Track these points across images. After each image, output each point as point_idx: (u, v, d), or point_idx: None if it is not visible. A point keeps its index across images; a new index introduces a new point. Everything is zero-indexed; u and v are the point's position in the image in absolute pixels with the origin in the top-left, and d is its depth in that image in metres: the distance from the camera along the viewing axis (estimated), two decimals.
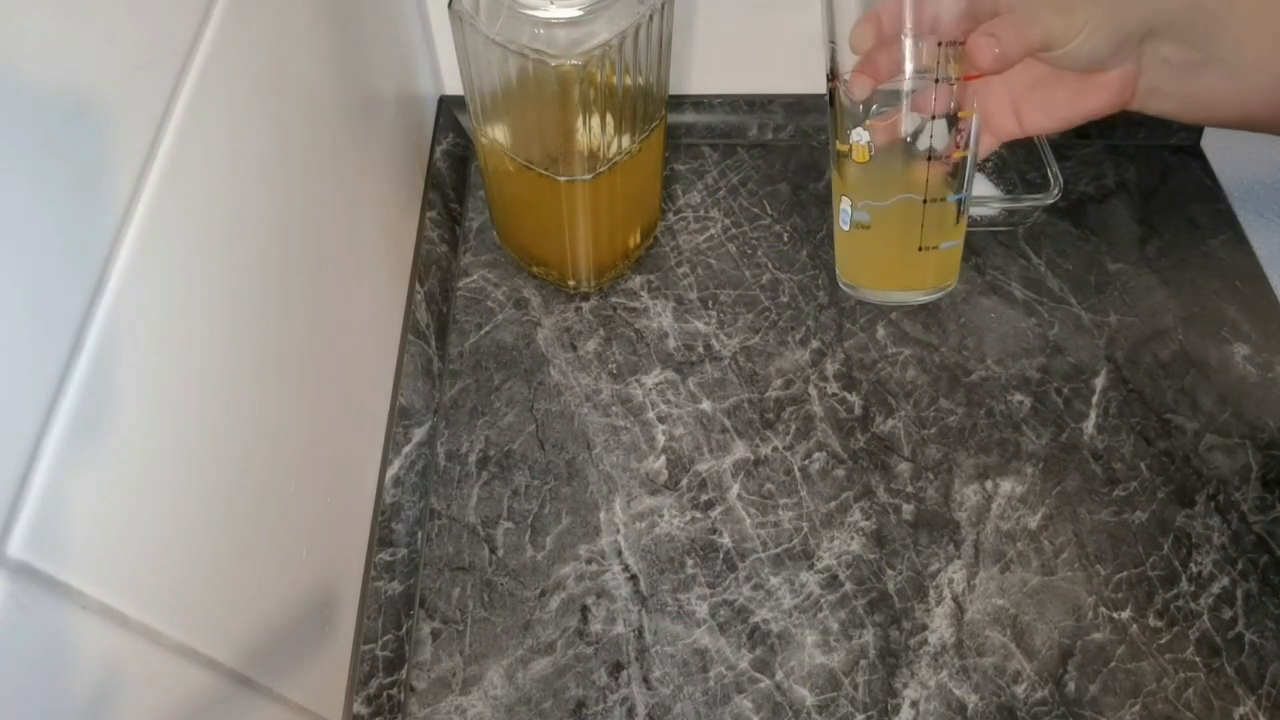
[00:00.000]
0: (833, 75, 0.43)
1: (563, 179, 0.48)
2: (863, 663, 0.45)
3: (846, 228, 0.45)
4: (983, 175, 0.62)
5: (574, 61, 0.41)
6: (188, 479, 0.28)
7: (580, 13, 0.41)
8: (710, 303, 0.57)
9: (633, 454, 0.51)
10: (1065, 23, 0.36)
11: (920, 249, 0.45)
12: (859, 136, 0.41)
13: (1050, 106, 0.41)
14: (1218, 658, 0.45)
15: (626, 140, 0.48)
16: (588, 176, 0.48)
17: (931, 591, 0.47)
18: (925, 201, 0.43)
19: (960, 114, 0.41)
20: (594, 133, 0.46)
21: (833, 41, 0.41)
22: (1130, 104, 0.39)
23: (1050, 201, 0.57)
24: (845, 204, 0.44)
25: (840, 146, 0.43)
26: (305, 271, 0.38)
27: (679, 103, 0.63)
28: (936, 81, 0.40)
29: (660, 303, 0.57)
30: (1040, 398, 0.53)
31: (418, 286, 0.54)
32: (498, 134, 0.49)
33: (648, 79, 0.46)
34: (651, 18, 0.43)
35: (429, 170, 0.61)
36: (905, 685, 0.44)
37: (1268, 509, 0.49)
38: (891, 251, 0.47)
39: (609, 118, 0.46)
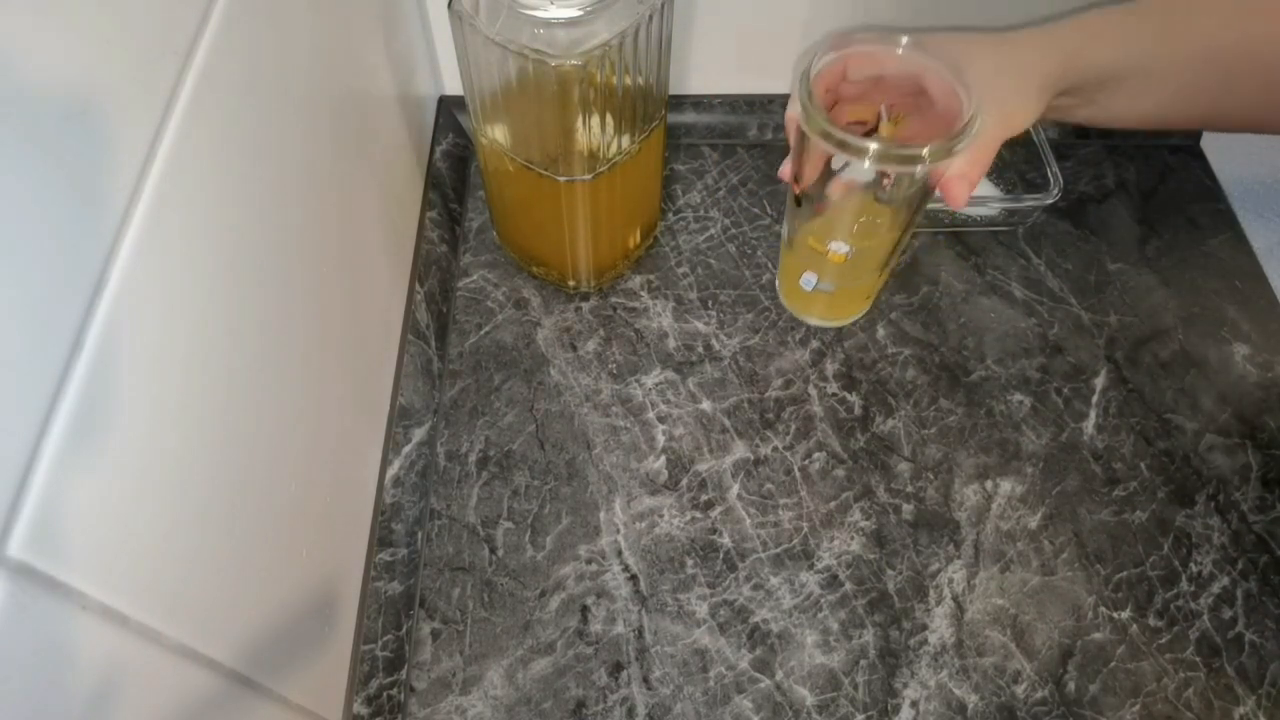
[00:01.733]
0: (797, 179, 0.46)
1: (563, 179, 0.48)
2: (863, 663, 0.45)
3: (808, 290, 0.50)
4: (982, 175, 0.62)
5: (574, 61, 0.41)
6: (188, 479, 0.28)
7: (580, 13, 0.41)
8: (710, 303, 0.57)
9: (633, 454, 0.51)
10: (1012, 129, 0.43)
11: (867, 298, 0.53)
12: (838, 248, 0.46)
13: None
14: (1218, 658, 0.45)
15: (626, 140, 0.48)
16: (588, 176, 0.48)
17: (931, 591, 0.47)
18: (881, 271, 0.49)
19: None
20: (594, 133, 0.46)
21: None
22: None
23: (1050, 201, 0.57)
24: (810, 276, 0.49)
25: (815, 245, 0.47)
26: (305, 271, 0.38)
27: (679, 103, 0.63)
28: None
29: (660, 303, 0.57)
30: (1040, 398, 0.53)
31: (418, 286, 0.54)
32: (498, 134, 0.49)
33: (647, 79, 0.46)
34: (651, 18, 0.43)
35: (429, 170, 0.61)
36: (905, 685, 0.44)
37: (1268, 509, 0.49)
38: (846, 302, 0.53)
39: (609, 118, 0.46)
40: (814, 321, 0.52)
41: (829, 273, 0.47)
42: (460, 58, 0.46)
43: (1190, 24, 0.43)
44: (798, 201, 0.46)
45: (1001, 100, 0.42)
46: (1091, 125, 0.47)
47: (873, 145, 0.39)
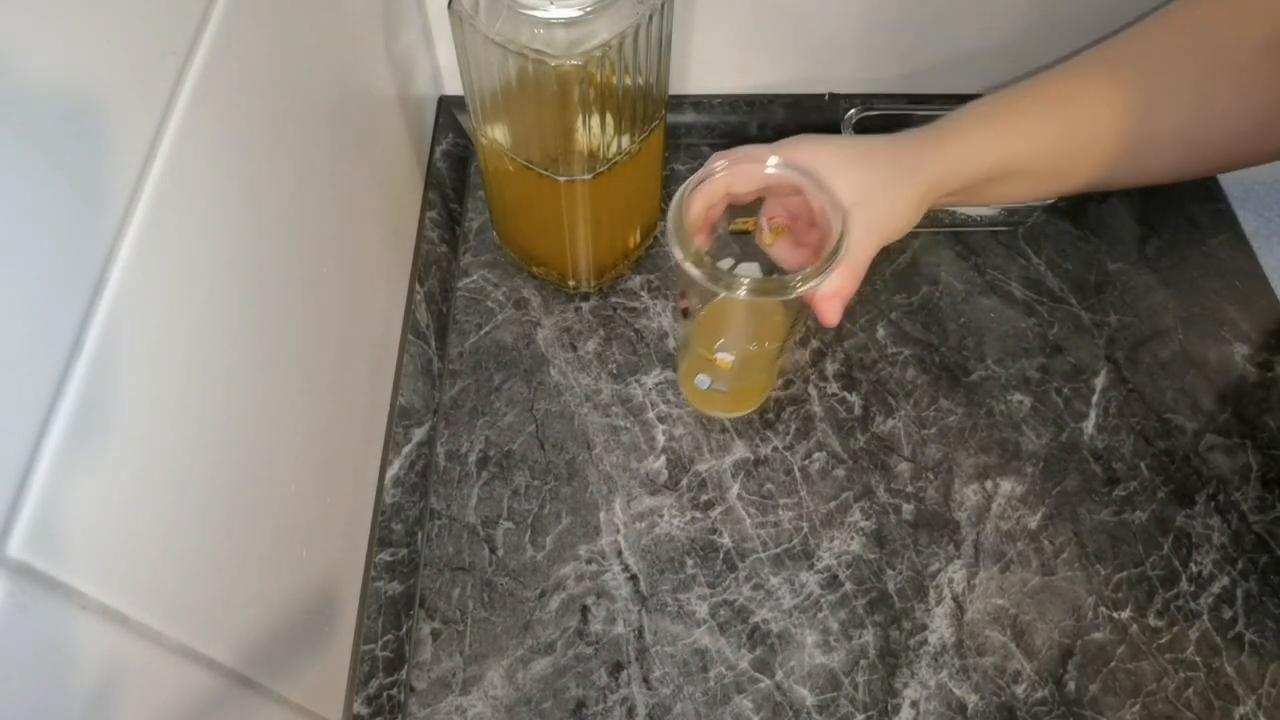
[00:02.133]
0: (683, 295, 0.47)
1: (563, 179, 0.48)
2: (863, 662, 0.45)
3: (704, 389, 0.50)
4: None
5: (574, 61, 0.41)
6: (188, 479, 0.28)
7: (580, 13, 0.41)
8: None
9: (633, 454, 0.51)
10: (887, 239, 0.42)
11: (763, 391, 0.52)
12: (725, 356, 0.46)
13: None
14: (1218, 658, 0.45)
15: (626, 140, 0.48)
16: (588, 176, 0.48)
17: (931, 591, 0.47)
18: (771, 372, 0.49)
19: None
20: (594, 133, 0.46)
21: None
22: None
23: (1050, 201, 0.57)
24: (704, 378, 0.49)
25: (703, 353, 0.48)
26: (304, 271, 0.38)
27: (679, 103, 0.63)
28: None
29: (660, 303, 0.57)
30: (1040, 398, 0.53)
31: (418, 286, 0.54)
32: (498, 134, 0.49)
33: (647, 79, 0.46)
34: (651, 18, 0.43)
35: (429, 170, 0.61)
36: (905, 685, 0.44)
37: (1268, 509, 0.49)
38: (743, 398, 0.52)
39: (609, 118, 0.46)
40: (715, 414, 0.52)
41: (719, 376, 0.48)
42: (460, 58, 0.46)
43: (1067, 114, 0.42)
44: (684, 314, 0.48)
45: (876, 214, 0.41)
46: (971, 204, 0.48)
47: (744, 280, 0.39)
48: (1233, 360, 0.55)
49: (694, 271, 0.40)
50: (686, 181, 0.42)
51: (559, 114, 0.44)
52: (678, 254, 0.40)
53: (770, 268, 0.47)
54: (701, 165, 0.41)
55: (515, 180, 0.51)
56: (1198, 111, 0.42)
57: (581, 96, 0.43)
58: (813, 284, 0.39)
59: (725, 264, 0.47)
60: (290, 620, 0.36)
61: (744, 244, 0.47)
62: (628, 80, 0.45)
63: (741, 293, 0.39)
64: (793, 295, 0.39)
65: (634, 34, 0.43)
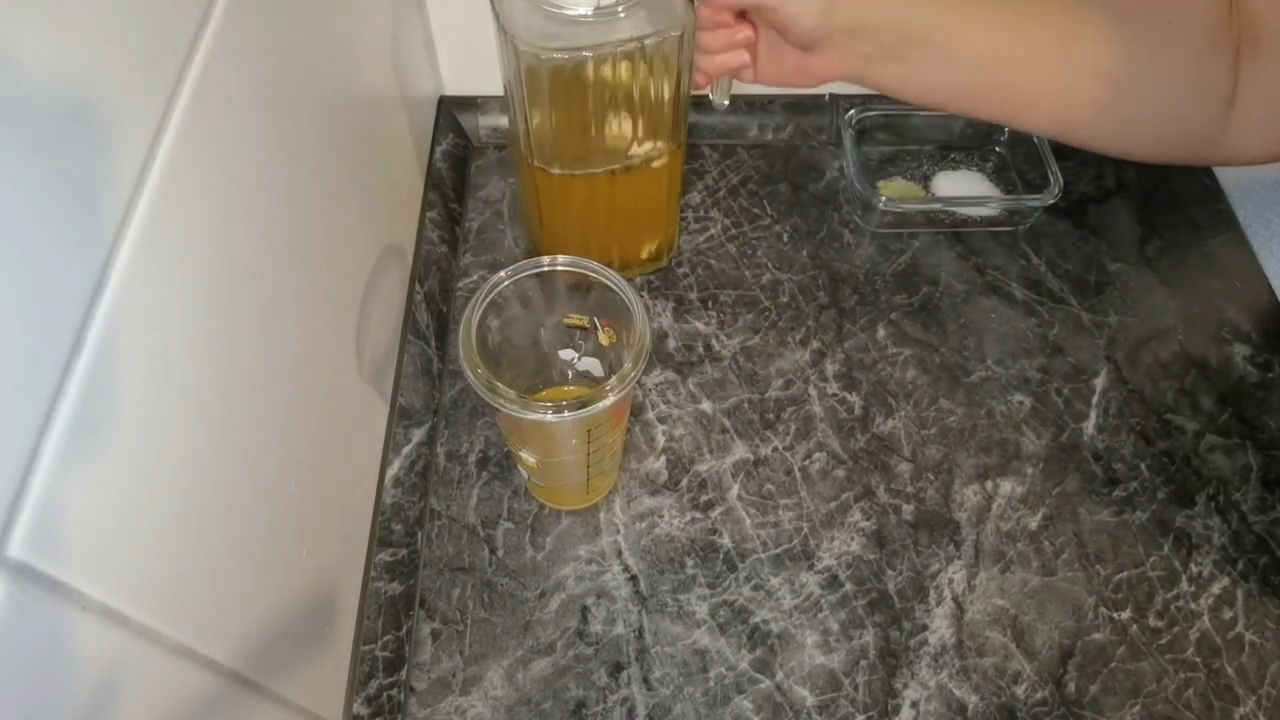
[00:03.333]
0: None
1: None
2: (863, 663, 0.45)
3: (526, 479, 0.49)
4: (983, 175, 0.62)
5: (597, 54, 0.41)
6: (188, 479, 0.28)
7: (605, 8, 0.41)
8: (710, 303, 0.57)
9: (633, 454, 0.51)
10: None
11: (593, 491, 0.49)
12: (527, 456, 0.44)
13: (781, 67, 0.48)
14: (1218, 658, 0.45)
15: (660, 142, 0.48)
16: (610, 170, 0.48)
17: (931, 592, 0.47)
18: (589, 477, 0.46)
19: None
20: (619, 131, 0.46)
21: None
22: (844, 78, 0.47)
23: (1050, 201, 0.57)
24: (522, 470, 0.47)
25: (513, 446, 0.46)
26: (304, 271, 0.38)
27: None
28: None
29: (660, 303, 0.57)
30: (1040, 398, 0.53)
31: (418, 286, 0.54)
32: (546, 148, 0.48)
33: (669, 89, 0.46)
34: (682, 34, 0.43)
35: (429, 170, 0.61)
36: (905, 685, 0.44)
37: (1268, 509, 0.49)
38: (570, 494, 0.49)
39: (631, 117, 0.46)
40: (552, 505, 0.49)
41: (532, 472, 0.46)
42: (513, 82, 0.44)
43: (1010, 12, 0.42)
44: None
45: None
46: (907, 95, 0.46)
47: (548, 407, 0.36)
48: (1233, 360, 0.55)
49: (492, 401, 0.36)
50: (473, 296, 0.39)
51: (587, 112, 0.44)
52: (479, 389, 0.37)
53: (611, 362, 0.45)
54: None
55: (577, 187, 0.49)
56: (1132, 65, 0.41)
57: (610, 94, 0.43)
58: (628, 386, 0.37)
59: (567, 355, 0.46)
60: (290, 620, 0.36)
61: (585, 336, 0.44)
62: (650, 85, 0.45)
63: (549, 417, 0.37)
64: (614, 397, 0.37)
65: (658, 39, 0.43)
